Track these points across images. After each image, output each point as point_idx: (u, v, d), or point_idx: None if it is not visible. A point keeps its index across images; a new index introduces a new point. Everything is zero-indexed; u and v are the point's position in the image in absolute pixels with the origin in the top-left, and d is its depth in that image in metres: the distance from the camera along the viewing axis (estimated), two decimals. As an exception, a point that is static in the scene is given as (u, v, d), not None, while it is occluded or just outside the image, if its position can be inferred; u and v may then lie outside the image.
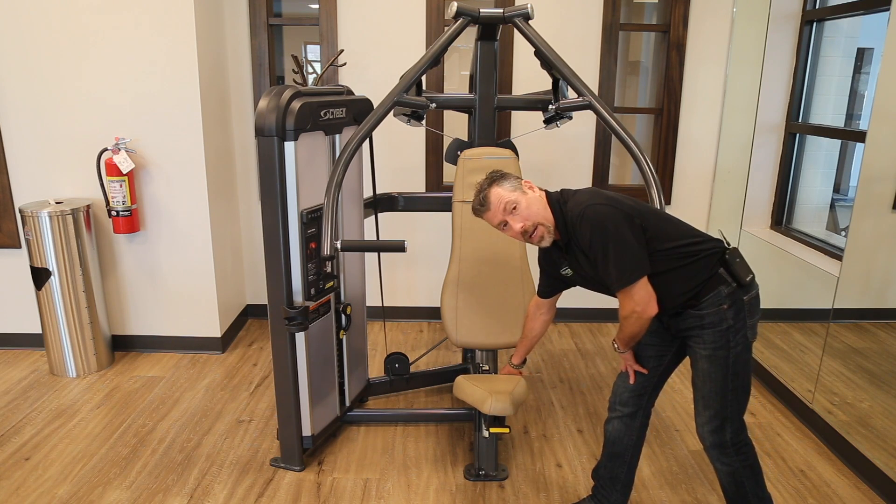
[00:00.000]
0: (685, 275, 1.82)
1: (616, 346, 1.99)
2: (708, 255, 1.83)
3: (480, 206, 1.96)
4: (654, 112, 3.90)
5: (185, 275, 3.47)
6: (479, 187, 1.98)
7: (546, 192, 1.99)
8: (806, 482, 2.49)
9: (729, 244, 1.89)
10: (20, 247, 3.40)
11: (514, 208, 1.91)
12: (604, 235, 1.78)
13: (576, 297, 3.00)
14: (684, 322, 1.87)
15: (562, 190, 2.00)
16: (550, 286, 2.16)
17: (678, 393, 3.16)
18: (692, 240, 1.85)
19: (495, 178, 1.97)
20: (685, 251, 1.83)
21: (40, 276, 3.19)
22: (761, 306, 1.90)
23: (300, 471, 2.52)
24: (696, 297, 1.83)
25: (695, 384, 1.92)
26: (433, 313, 4.08)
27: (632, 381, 2.05)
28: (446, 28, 2.50)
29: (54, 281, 3.18)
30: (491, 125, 2.78)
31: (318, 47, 3.71)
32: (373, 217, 3.16)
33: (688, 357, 1.98)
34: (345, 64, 3.62)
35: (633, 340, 1.93)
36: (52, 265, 3.16)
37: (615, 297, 1.88)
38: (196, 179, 3.34)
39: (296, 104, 2.27)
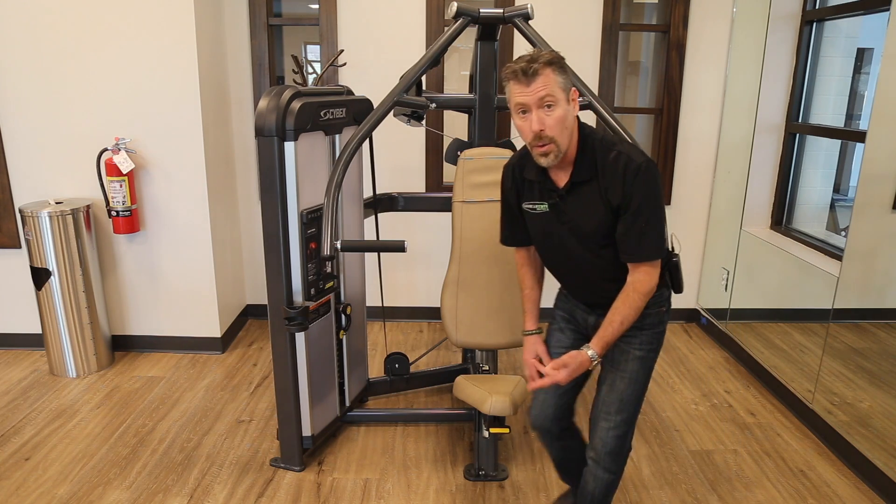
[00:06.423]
0: None
1: (595, 354, 1.71)
2: (667, 255, 1.78)
3: (522, 75, 1.56)
4: (654, 112, 3.89)
5: (185, 275, 3.47)
6: (535, 56, 1.58)
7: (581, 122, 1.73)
8: (806, 482, 2.49)
9: (674, 249, 1.84)
10: (20, 247, 3.40)
11: (550, 107, 1.58)
12: (656, 200, 1.64)
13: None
14: None
15: (604, 133, 1.74)
16: (511, 232, 1.93)
17: (678, 393, 3.16)
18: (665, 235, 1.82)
19: (556, 60, 1.58)
20: None
21: (40, 276, 3.19)
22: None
23: (300, 471, 2.52)
24: None
25: (613, 386, 1.80)
26: (433, 313, 4.08)
27: (539, 384, 1.80)
28: (446, 28, 2.50)
29: (54, 281, 3.18)
30: (491, 125, 2.77)
31: (318, 47, 3.71)
32: (373, 217, 3.16)
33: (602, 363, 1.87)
34: (345, 64, 3.62)
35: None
36: (52, 265, 3.16)
37: (588, 262, 1.74)
38: (196, 179, 3.34)
39: (296, 104, 2.28)
